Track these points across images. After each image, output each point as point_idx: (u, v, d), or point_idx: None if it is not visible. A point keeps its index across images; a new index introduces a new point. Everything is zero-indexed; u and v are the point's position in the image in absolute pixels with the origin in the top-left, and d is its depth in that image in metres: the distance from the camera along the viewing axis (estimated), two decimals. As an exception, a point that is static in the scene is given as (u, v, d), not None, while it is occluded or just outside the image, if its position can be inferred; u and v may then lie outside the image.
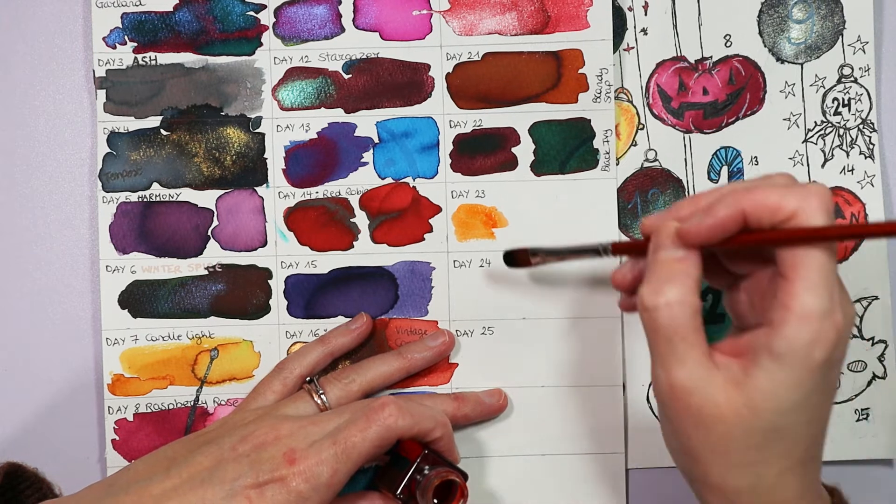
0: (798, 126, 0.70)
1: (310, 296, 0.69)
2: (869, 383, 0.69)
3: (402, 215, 0.69)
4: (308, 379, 0.66)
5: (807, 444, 0.52)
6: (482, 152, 0.69)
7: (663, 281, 0.52)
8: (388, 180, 0.69)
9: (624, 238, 0.69)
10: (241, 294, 0.69)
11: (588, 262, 0.68)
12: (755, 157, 0.69)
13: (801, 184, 0.51)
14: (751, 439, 0.51)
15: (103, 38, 0.68)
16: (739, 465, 0.52)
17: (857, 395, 0.69)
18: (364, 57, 0.69)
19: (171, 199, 0.69)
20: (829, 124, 0.69)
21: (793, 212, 0.50)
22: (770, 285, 0.53)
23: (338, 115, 0.69)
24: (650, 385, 0.69)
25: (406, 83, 0.69)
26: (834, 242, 0.50)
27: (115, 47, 0.68)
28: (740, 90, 0.69)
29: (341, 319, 0.69)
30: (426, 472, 0.61)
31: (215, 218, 0.69)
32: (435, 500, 0.60)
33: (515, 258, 0.67)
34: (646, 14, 0.70)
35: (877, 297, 0.69)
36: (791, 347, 0.49)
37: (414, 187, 0.69)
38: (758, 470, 0.52)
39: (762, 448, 0.51)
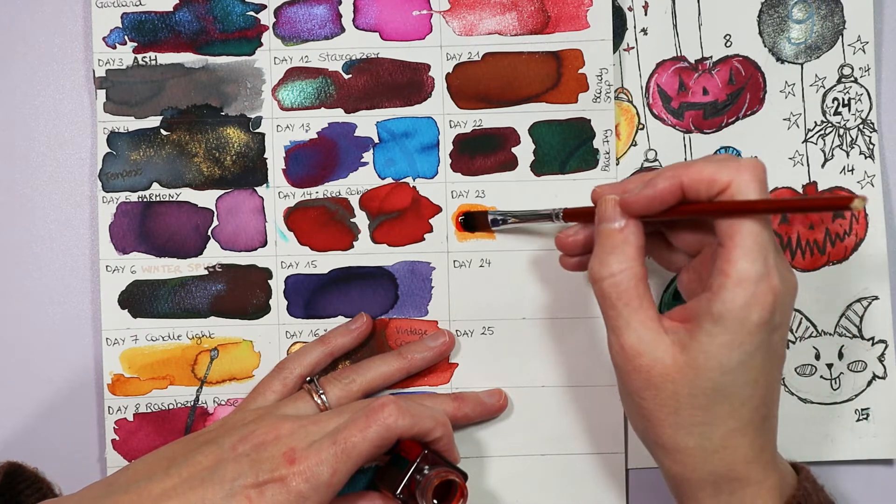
0: (798, 126, 0.70)
1: (310, 296, 0.69)
2: (869, 383, 0.69)
3: (402, 215, 0.69)
4: (308, 379, 0.66)
5: (754, 406, 0.55)
6: (482, 152, 0.69)
7: (607, 252, 0.56)
8: (388, 180, 0.69)
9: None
10: (241, 294, 0.69)
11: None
12: (755, 156, 0.69)
13: (737, 158, 0.54)
14: (697, 399, 0.54)
15: (103, 38, 0.68)
16: (688, 424, 0.55)
17: (857, 395, 0.69)
18: (364, 57, 0.69)
19: (171, 199, 0.69)
20: (829, 124, 0.69)
21: (726, 183, 0.53)
22: (713, 259, 0.56)
23: (338, 115, 0.69)
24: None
25: (406, 83, 0.69)
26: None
27: (115, 47, 0.68)
28: (740, 90, 0.69)
29: (341, 319, 0.69)
30: (426, 471, 0.61)
31: (215, 218, 0.69)
32: (435, 500, 0.60)
33: (475, 221, 0.68)
34: (646, 14, 0.70)
35: (877, 297, 0.69)
36: (728, 309, 0.52)
37: (414, 187, 0.69)
38: (704, 430, 0.55)
39: (707, 408, 0.54)
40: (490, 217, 0.68)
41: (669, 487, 0.59)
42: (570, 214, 0.63)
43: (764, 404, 0.55)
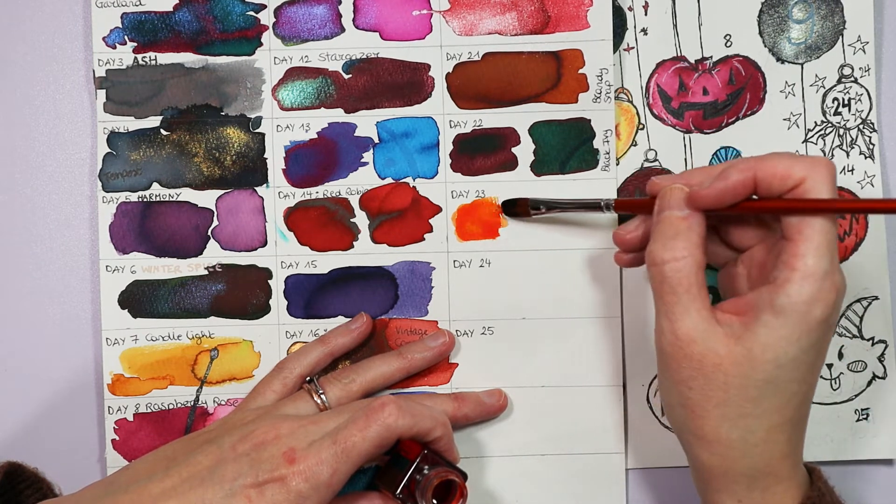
0: (798, 126, 0.70)
1: (310, 296, 0.69)
2: (869, 383, 0.69)
3: (403, 215, 0.69)
4: (308, 379, 0.66)
5: (797, 403, 0.56)
6: (482, 152, 0.69)
7: (670, 237, 0.56)
8: (389, 180, 0.69)
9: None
10: (241, 294, 0.69)
11: (591, 262, 0.68)
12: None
13: (807, 156, 0.55)
14: (747, 391, 0.54)
15: (103, 38, 0.68)
16: (734, 416, 0.55)
17: (857, 396, 0.69)
18: (364, 57, 0.69)
19: (171, 199, 0.69)
20: (829, 124, 0.69)
21: (801, 179, 0.53)
22: (770, 256, 0.57)
23: (338, 115, 0.69)
24: (650, 385, 0.69)
25: (406, 83, 0.69)
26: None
27: (115, 47, 0.68)
28: (740, 90, 0.69)
29: (341, 319, 0.69)
30: (426, 471, 0.61)
31: (215, 218, 0.69)
32: (434, 500, 0.60)
33: (516, 208, 0.68)
34: (646, 14, 0.70)
35: (877, 298, 0.69)
36: (793, 303, 0.53)
37: (414, 187, 0.69)
38: (750, 423, 0.55)
39: (757, 401, 0.54)
40: (531, 203, 0.67)
41: (698, 479, 0.59)
42: (623, 205, 0.63)
43: (806, 402, 0.56)
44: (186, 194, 0.69)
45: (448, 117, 0.69)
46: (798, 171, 0.53)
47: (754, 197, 0.56)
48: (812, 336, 0.54)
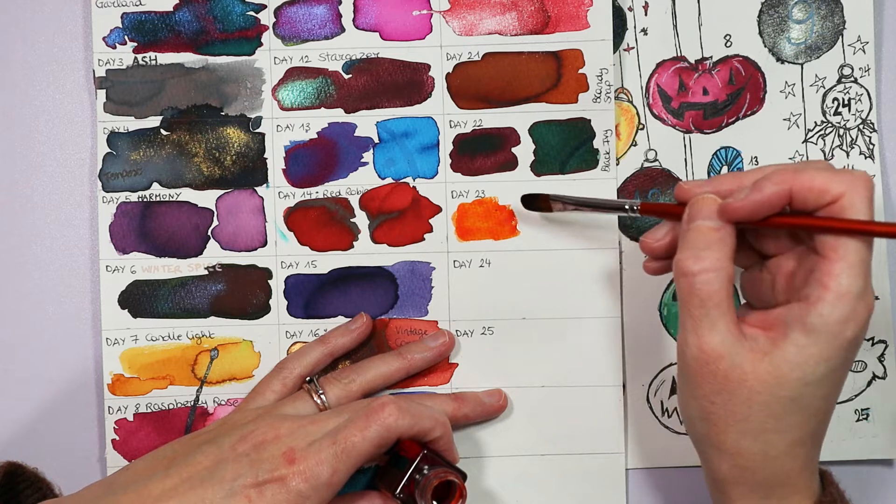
0: (798, 126, 0.70)
1: (310, 296, 0.69)
2: (869, 383, 0.69)
3: (403, 215, 0.69)
4: (308, 379, 0.66)
5: (819, 419, 0.55)
6: (482, 152, 0.69)
7: (701, 248, 0.54)
8: (389, 180, 0.69)
9: (624, 238, 0.69)
10: (241, 294, 0.69)
11: (590, 262, 0.68)
12: (755, 157, 0.69)
13: (846, 170, 0.53)
14: (771, 407, 0.53)
15: (103, 38, 0.68)
16: (756, 431, 0.54)
17: (857, 396, 0.69)
18: (364, 57, 0.69)
19: (171, 199, 0.69)
20: (829, 124, 0.69)
21: (838, 195, 0.52)
22: (799, 266, 0.55)
23: (338, 115, 0.69)
24: (650, 385, 0.69)
25: (406, 83, 0.69)
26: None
27: (115, 47, 0.68)
28: (740, 90, 0.69)
29: (341, 319, 0.69)
30: (425, 471, 0.61)
31: (215, 218, 0.69)
32: (434, 501, 0.60)
33: (536, 202, 0.67)
34: (646, 14, 0.70)
35: (877, 298, 0.69)
36: (825, 323, 0.52)
37: (414, 187, 0.69)
38: (771, 437, 0.54)
39: (780, 417, 0.54)
40: (552, 198, 0.66)
41: (714, 488, 0.58)
42: (650, 209, 0.61)
43: (828, 416, 0.56)
44: (186, 194, 0.69)
45: (448, 117, 0.69)
46: (836, 186, 0.52)
47: (787, 209, 0.54)
48: (842, 355, 0.53)
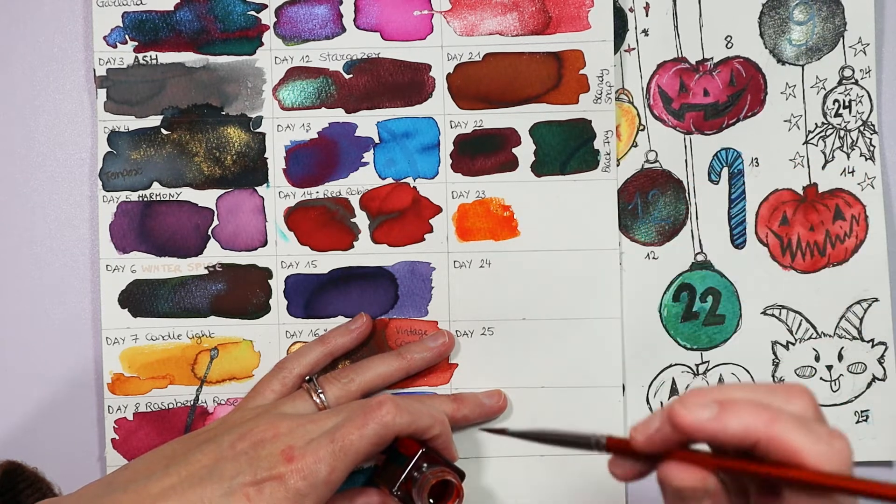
0: (799, 128, 0.70)
1: (310, 296, 0.69)
2: (868, 385, 0.69)
3: (403, 215, 0.69)
4: (307, 378, 0.66)
5: None
6: (483, 153, 0.69)
7: None
8: (389, 180, 0.69)
9: (624, 238, 0.69)
10: (241, 294, 0.69)
11: (590, 262, 0.68)
12: (756, 158, 0.69)
13: (828, 434, 0.45)
14: None
15: (104, 37, 0.68)
16: None
17: (856, 397, 0.69)
18: (365, 57, 0.69)
19: (171, 199, 0.69)
20: (830, 126, 0.69)
21: (814, 464, 0.44)
22: None
23: (338, 115, 0.69)
24: (650, 386, 0.69)
25: (407, 83, 0.69)
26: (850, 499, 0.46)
27: (115, 46, 0.68)
28: (741, 91, 0.69)
29: (341, 319, 0.69)
30: (423, 469, 0.61)
31: (215, 217, 0.69)
32: (431, 500, 0.60)
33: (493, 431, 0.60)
34: (647, 15, 0.70)
35: (877, 299, 0.69)
36: None
37: (414, 187, 0.69)
38: None
39: None
40: (510, 434, 0.57)
41: None
42: (614, 447, 0.51)
43: None
44: (187, 194, 0.69)
45: (449, 117, 0.69)
46: (810, 456, 0.44)
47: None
48: None
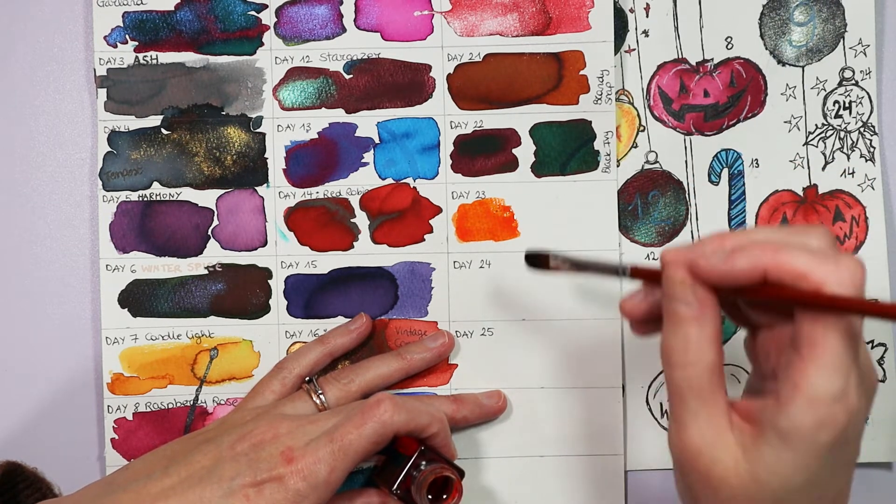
0: (799, 129, 0.70)
1: (309, 296, 0.69)
2: (869, 386, 0.69)
3: (403, 216, 0.69)
4: (307, 379, 0.66)
5: None
6: (483, 153, 0.69)
7: (679, 339, 0.50)
8: (389, 181, 0.69)
9: (624, 238, 0.69)
10: (240, 294, 0.69)
11: (589, 255, 0.68)
12: (756, 159, 0.69)
13: (837, 255, 0.47)
14: None
15: (104, 37, 0.69)
16: None
17: (856, 398, 0.69)
18: (365, 57, 0.69)
19: (171, 199, 0.69)
20: (830, 127, 0.69)
21: (818, 283, 0.46)
22: (790, 344, 0.49)
23: (339, 115, 0.69)
24: (650, 386, 0.69)
25: (407, 84, 0.69)
26: (859, 320, 0.48)
27: (116, 46, 0.68)
28: (741, 92, 0.69)
29: (341, 319, 0.69)
30: (422, 467, 0.61)
31: (215, 217, 0.69)
32: (429, 497, 0.60)
33: (537, 259, 0.63)
34: (647, 16, 0.70)
35: (876, 300, 0.69)
36: (796, 427, 0.47)
37: (414, 188, 0.69)
38: None
39: None
40: (552, 261, 0.59)
41: None
42: (639, 273, 0.54)
43: None
44: (187, 194, 0.69)
45: (449, 118, 0.69)
46: (817, 274, 0.46)
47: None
48: (822, 461, 0.47)
